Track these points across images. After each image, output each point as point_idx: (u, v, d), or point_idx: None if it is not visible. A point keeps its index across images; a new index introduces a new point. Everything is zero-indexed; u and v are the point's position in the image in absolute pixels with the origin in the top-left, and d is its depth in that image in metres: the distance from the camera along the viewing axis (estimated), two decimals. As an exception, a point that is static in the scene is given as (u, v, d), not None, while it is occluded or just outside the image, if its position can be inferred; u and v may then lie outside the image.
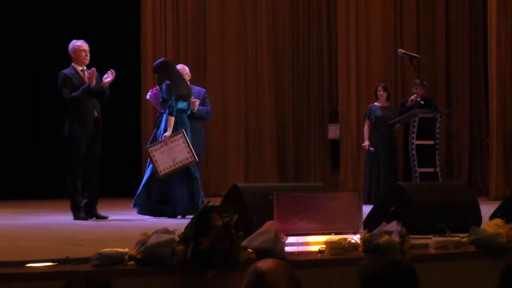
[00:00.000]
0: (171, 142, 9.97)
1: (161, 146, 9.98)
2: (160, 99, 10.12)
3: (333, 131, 15.85)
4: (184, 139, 10.03)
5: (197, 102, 10.53)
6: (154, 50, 15.61)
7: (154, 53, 15.54)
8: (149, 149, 10.02)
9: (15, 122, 14.72)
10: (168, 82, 10.04)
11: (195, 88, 10.92)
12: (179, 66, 11.02)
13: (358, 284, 3.35)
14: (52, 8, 15.24)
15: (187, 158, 10.02)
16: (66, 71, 9.92)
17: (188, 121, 10.31)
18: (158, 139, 10.13)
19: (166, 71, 10.16)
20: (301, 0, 16.57)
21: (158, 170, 9.93)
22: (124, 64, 15.25)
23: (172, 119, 10.02)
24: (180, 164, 10.00)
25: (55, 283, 4.66)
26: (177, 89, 10.05)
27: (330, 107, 16.37)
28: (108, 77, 9.84)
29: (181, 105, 10.12)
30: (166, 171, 9.95)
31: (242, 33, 16.13)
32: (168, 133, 9.97)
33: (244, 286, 3.31)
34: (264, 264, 3.35)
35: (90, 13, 15.46)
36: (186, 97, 10.20)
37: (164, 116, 10.13)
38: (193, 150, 10.02)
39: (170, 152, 9.95)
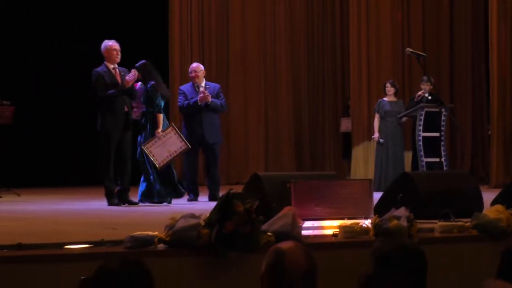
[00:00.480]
0: (163, 136, 10.07)
1: (155, 142, 10.04)
2: (142, 99, 10.20)
3: (345, 125, 15.79)
4: (174, 131, 10.16)
5: (209, 96, 10.59)
6: (181, 49, 15.67)
7: (181, 52, 15.63)
8: (145, 147, 10.05)
9: (53, 117, 14.75)
10: (153, 82, 10.11)
11: (210, 84, 11.00)
12: (194, 65, 11.12)
13: (372, 265, 3.34)
14: (88, 10, 15.27)
15: (181, 147, 10.12)
16: (99, 69, 9.95)
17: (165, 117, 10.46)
18: (141, 138, 10.22)
19: (147, 72, 10.21)
20: (316, 2, 16.55)
21: (157, 163, 10.00)
22: (153, 62, 15.31)
23: (161, 116, 10.14)
24: (175, 154, 10.12)
25: (91, 263, 4.68)
26: (159, 89, 10.15)
27: (343, 102, 16.33)
28: (130, 76, 9.87)
29: (162, 103, 10.23)
30: (164, 162, 10.02)
31: (261, 33, 16.11)
32: (159, 129, 10.06)
33: (265, 265, 3.31)
34: (284, 245, 3.36)
35: (121, 15, 15.48)
36: (165, 98, 10.33)
37: (144, 118, 10.21)
38: (184, 139, 10.12)
39: (164, 145, 10.04)
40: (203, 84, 10.79)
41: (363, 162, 14.86)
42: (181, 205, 9.83)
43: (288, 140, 16.15)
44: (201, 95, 10.55)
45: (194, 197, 10.64)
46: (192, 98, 10.65)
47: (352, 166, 15.08)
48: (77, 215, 8.59)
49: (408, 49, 11.78)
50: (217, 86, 11.12)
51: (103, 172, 9.85)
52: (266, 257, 3.33)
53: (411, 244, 3.63)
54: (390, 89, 12.75)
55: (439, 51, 15.51)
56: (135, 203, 9.83)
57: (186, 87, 10.94)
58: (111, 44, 10.00)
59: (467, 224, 6.11)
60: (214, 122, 10.82)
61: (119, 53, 9.99)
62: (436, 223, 6.16)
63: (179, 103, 10.78)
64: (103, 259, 3.13)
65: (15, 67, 14.37)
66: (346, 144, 15.74)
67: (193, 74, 10.84)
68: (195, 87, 10.78)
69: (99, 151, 9.96)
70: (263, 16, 16.14)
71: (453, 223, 6.18)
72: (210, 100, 10.57)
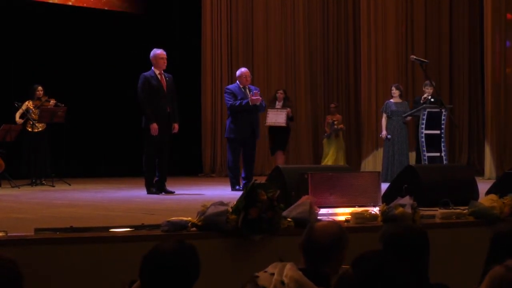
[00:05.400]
0: None
1: None
2: None
3: (273, 117, 13.73)
4: None
5: (261, 99, 10.52)
6: (212, 51, 15.75)
7: (212, 54, 15.70)
8: None
9: (100, 116, 14.81)
10: None
11: (251, 87, 10.84)
12: (245, 69, 10.92)
13: (381, 247, 3.34)
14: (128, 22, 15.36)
15: None
16: (146, 73, 9.91)
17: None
18: None
19: None
20: (332, 17, 16.48)
21: None
22: (186, 65, 15.38)
23: None
24: None
25: (132, 244, 4.69)
26: None
27: (356, 104, 16.18)
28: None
29: None
30: None
31: (283, 44, 16.11)
32: None
33: (303, 235, 3.42)
34: (321, 221, 3.54)
35: (159, 26, 15.54)
36: None
37: None
38: None
39: None
40: (247, 86, 10.71)
41: (372, 156, 14.86)
42: (212, 194, 9.82)
43: (306, 137, 16.12)
44: (255, 97, 10.40)
45: (239, 186, 10.37)
46: (241, 98, 10.51)
47: (362, 159, 15.09)
48: (120, 202, 8.61)
49: (412, 56, 11.74)
50: (257, 88, 11.02)
51: (145, 164, 9.84)
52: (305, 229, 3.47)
53: (415, 225, 3.64)
54: (395, 92, 12.71)
55: (440, 57, 15.44)
56: (171, 192, 9.83)
57: (234, 88, 10.68)
58: (159, 52, 9.98)
59: (464, 211, 6.09)
60: (258, 120, 10.76)
61: (166, 61, 9.97)
62: (437, 210, 6.14)
63: (229, 102, 10.52)
64: (159, 241, 3.13)
65: (68, 74, 14.44)
66: (274, 137, 13.87)
67: (245, 77, 10.67)
68: (242, 88, 10.65)
69: (143, 145, 9.94)
70: (284, 28, 16.14)
71: (452, 210, 6.16)
72: (260, 102, 10.54)
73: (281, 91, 13.93)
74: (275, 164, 13.48)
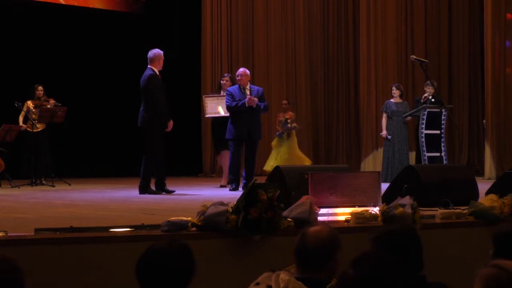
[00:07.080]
0: None
1: None
2: None
3: (213, 107, 11.84)
4: None
5: (256, 100, 10.49)
6: (212, 52, 15.73)
7: (212, 54, 15.68)
8: None
9: (98, 116, 14.80)
10: None
11: (254, 87, 10.82)
12: (241, 70, 10.91)
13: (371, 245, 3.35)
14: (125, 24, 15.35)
15: None
16: (152, 72, 9.85)
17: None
18: None
19: None
20: (332, 17, 16.48)
21: None
22: (186, 65, 15.37)
23: None
24: None
25: (132, 244, 4.69)
26: None
27: (356, 104, 16.16)
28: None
29: None
30: None
31: (283, 44, 16.10)
32: None
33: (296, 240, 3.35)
34: (314, 226, 3.46)
35: (158, 27, 15.54)
36: None
37: None
38: None
39: None
40: (248, 87, 10.73)
41: (372, 156, 14.86)
42: (212, 194, 9.82)
43: (306, 137, 16.10)
44: (248, 99, 10.44)
45: (236, 186, 10.42)
46: (239, 99, 10.51)
47: (362, 159, 15.09)
48: (120, 202, 8.60)
49: (412, 56, 11.75)
50: (261, 89, 10.96)
51: (146, 164, 9.76)
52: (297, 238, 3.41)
53: (403, 226, 3.63)
54: (395, 92, 12.72)
55: (440, 57, 15.45)
56: (171, 192, 9.81)
57: (233, 89, 10.70)
58: (162, 53, 9.99)
59: (464, 211, 6.09)
60: (257, 121, 10.72)
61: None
62: (437, 210, 6.14)
63: (227, 103, 10.61)
64: (153, 241, 3.14)
65: (68, 74, 14.43)
66: (218, 132, 11.69)
67: (239, 78, 10.71)
68: (242, 89, 10.65)
69: (145, 145, 9.90)
70: (284, 28, 16.14)
71: (452, 210, 6.16)
72: (255, 104, 10.54)
73: (226, 78, 11.90)
74: (218, 165, 13.14)
